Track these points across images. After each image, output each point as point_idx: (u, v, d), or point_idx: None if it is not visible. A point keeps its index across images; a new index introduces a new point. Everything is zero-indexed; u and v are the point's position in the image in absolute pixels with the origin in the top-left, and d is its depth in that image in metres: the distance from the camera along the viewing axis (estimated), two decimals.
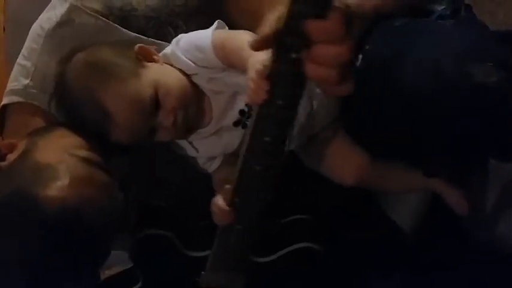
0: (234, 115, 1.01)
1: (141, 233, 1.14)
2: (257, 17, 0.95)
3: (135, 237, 1.14)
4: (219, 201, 0.95)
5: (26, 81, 1.07)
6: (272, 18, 0.71)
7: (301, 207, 1.16)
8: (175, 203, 1.17)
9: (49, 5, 1.11)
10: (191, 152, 1.06)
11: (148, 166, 1.14)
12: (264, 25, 0.72)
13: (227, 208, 0.94)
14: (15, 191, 0.91)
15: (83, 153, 0.95)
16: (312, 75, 0.70)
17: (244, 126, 1.01)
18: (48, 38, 1.07)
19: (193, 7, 1.08)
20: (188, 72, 0.99)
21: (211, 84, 1.00)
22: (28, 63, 1.08)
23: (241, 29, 0.97)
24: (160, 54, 1.02)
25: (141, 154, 1.09)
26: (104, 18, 1.05)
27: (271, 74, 0.72)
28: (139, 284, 1.15)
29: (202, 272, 1.11)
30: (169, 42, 1.05)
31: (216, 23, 0.98)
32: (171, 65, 1.00)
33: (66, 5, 1.06)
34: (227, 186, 0.94)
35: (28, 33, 1.11)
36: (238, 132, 1.02)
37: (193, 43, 0.98)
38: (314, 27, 0.66)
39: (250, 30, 0.93)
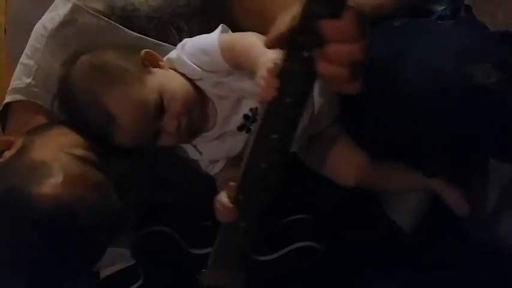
0: (238, 120, 1.01)
1: (142, 230, 1.13)
2: (260, 17, 0.96)
3: (137, 234, 1.14)
4: (223, 198, 0.96)
5: (29, 80, 1.07)
6: (285, 18, 0.71)
7: (302, 207, 1.16)
8: (177, 204, 1.17)
9: (52, 5, 1.11)
10: (194, 154, 1.06)
11: (150, 168, 1.14)
12: (277, 24, 0.73)
13: (231, 205, 0.95)
14: (9, 188, 0.90)
15: (79, 151, 0.94)
16: (323, 73, 0.71)
17: (248, 131, 1.01)
18: (51, 38, 1.07)
19: (195, 7, 1.08)
20: (193, 77, 0.99)
21: (217, 89, 0.99)
22: (31, 62, 1.08)
23: (244, 29, 0.97)
24: (165, 58, 1.02)
25: (143, 156, 1.09)
26: (106, 18, 1.05)
27: (282, 72, 0.73)
28: (140, 281, 1.15)
29: (204, 270, 1.12)
30: (171, 42, 1.05)
31: (220, 27, 0.98)
32: (176, 70, 1.00)
33: (69, 5, 1.06)
34: (231, 183, 0.94)
35: (29, 34, 1.11)
36: (242, 137, 1.02)
37: (199, 47, 0.98)
38: (329, 26, 0.67)
39: (253, 31, 0.94)
